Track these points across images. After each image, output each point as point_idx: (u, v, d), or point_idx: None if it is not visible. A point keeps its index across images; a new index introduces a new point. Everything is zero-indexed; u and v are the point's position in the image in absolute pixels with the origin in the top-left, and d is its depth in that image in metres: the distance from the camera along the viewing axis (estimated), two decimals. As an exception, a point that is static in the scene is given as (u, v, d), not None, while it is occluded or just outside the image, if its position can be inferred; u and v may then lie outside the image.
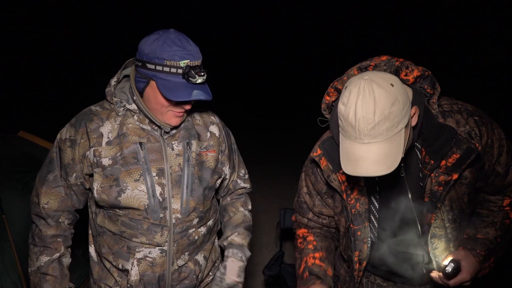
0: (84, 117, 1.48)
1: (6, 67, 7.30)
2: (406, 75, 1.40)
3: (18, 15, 8.31)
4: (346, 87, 1.30)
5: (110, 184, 1.44)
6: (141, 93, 1.44)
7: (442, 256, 1.50)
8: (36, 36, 8.50)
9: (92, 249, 1.62)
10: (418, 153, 1.44)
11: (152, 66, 1.36)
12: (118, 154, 1.45)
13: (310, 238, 1.70)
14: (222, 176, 1.66)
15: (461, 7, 7.79)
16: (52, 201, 1.50)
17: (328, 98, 1.50)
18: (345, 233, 1.63)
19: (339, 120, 1.30)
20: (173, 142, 1.51)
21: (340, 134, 1.32)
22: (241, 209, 1.75)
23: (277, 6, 10.22)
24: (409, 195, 1.47)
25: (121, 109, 1.47)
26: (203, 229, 1.61)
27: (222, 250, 1.72)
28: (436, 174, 1.41)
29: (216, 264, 1.75)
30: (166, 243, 1.51)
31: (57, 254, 1.52)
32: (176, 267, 1.56)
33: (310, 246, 1.68)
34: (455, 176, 1.39)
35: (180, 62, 1.34)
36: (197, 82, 1.36)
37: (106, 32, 9.32)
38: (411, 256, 1.54)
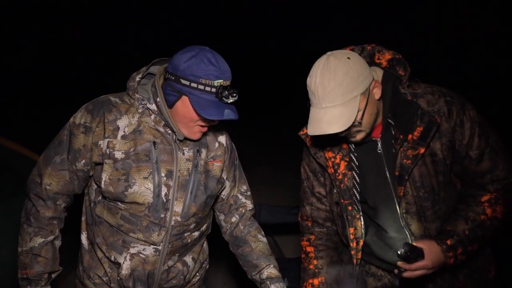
0: (103, 106, 1.50)
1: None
2: (378, 58, 1.59)
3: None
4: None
5: (119, 178, 1.47)
6: (170, 105, 1.48)
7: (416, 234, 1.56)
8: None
9: (84, 237, 1.64)
10: (392, 130, 1.57)
11: (187, 82, 1.41)
12: (132, 150, 1.48)
13: (312, 254, 1.76)
14: (224, 185, 1.71)
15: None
16: (54, 183, 1.52)
17: None
18: (338, 212, 1.70)
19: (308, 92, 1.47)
20: (184, 148, 1.56)
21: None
22: (261, 238, 1.75)
23: (272, 5, 10.17)
24: (386, 171, 1.58)
25: (141, 106, 1.50)
26: (196, 233, 1.66)
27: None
28: (405, 148, 1.53)
29: (203, 265, 1.78)
30: (161, 243, 1.55)
31: (52, 237, 1.54)
32: (166, 267, 1.60)
33: (311, 267, 1.75)
34: (422, 150, 1.51)
35: (214, 82, 1.40)
36: (229, 102, 1.42)
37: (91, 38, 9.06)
38: (394, 240, 1.61)
